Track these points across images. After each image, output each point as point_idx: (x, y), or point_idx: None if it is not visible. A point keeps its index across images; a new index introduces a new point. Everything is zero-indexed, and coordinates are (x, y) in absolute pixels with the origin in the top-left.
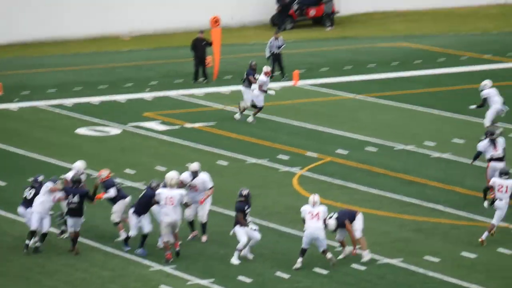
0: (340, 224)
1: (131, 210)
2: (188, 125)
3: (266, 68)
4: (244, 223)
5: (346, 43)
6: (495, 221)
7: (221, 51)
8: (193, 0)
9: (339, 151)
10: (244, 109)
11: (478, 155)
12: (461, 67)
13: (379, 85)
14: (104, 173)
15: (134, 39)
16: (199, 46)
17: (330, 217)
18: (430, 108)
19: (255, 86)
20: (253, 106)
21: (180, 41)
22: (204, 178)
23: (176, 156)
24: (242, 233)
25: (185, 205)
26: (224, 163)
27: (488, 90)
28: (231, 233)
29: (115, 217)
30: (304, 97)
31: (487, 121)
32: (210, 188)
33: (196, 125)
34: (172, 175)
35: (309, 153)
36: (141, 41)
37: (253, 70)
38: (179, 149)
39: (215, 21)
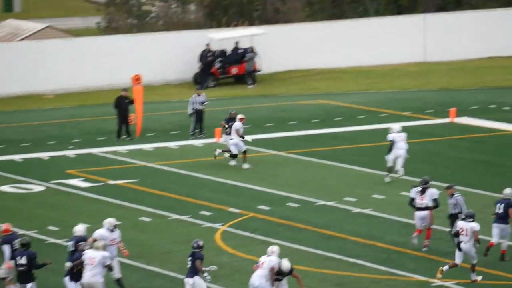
0: (291, 271)
1: (67, 278)
2: (112, 182)
3: (241, 115)
4: (203, 270)
5: (267, 100)
6: (457, 260)
7: (145, 109)
8: (116, 59)
9: (261, 207)
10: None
11: (410, 202)
12: (382, 124)
13: (301, 141)
14: (3, 227)
15: (58, 97)
16: (122, 103)
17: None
18: (351, 165)
19: (225, 137)
20: (233, 155)
21: (103, 99)
22: (119, 232)
23: (100, 212)
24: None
25: (108, 267)
26: (147, 219)
27: (394, 134)
28: (191, 282)
29: (1, 272)
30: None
31: (399, 169)
32: (120, 241)
33: (119, 181)
34: (80, 228)
35: (232, 209)
36: (64, 98)
37: (233, 120)
38: (102, 206)
39: (137, 79)
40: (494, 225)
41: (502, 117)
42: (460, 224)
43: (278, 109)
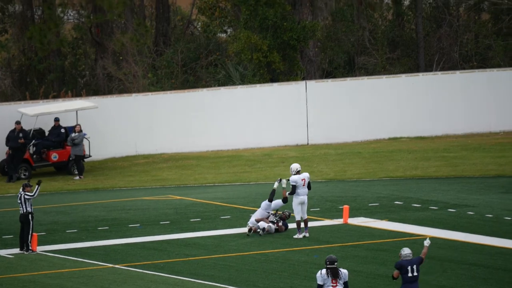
0: None
1: None
2: None
3: None
4: None
5: (100, 196)
6: None
7: None
8: None
9: None
10: None
11: None
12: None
13: (145, 251)
14: None
15: None
16: None
17: None
18: (213, 281)
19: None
20: None
21: None
22: None
23: None
24: None
25: None
26: None
27: (295, 176)
28: None
29: None
30: (52, 268)
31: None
32: None
33: None
34: None
35: None
36: None
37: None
38: None
39: None
40: None
41: (409, 217)
42: None
43: (114, 208)
